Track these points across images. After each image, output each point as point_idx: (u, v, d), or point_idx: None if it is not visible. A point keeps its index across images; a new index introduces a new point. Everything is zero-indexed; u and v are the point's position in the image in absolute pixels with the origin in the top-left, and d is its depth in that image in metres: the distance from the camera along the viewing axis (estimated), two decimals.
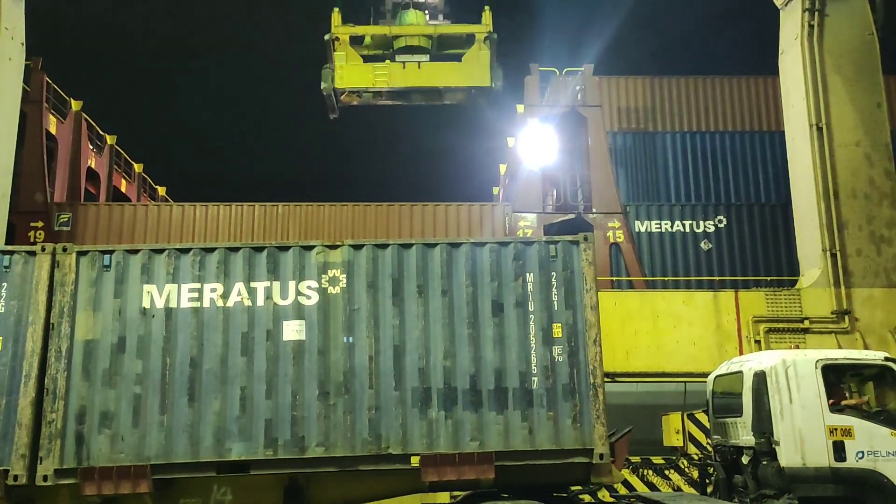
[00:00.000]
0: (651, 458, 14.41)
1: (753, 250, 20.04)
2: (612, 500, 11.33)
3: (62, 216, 19.99)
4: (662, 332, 16.06)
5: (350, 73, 19.61)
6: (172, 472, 8.46)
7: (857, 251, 16.00)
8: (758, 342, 15.82)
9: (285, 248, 9.09)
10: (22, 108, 17.79)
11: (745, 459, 10.14)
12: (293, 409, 8.61)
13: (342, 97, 20.17)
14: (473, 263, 9.10)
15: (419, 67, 19.55)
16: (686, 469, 14.19)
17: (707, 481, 12.37)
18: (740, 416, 10.23)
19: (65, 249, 8.92)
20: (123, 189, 25.65)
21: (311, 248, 9.11)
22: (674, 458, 14.41)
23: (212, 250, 9.04)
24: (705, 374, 11.80)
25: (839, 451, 9.30)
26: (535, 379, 8.79)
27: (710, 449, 12.10)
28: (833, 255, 15.92)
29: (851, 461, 9.28)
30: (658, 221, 20.18)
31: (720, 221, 20.17)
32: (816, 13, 16.73)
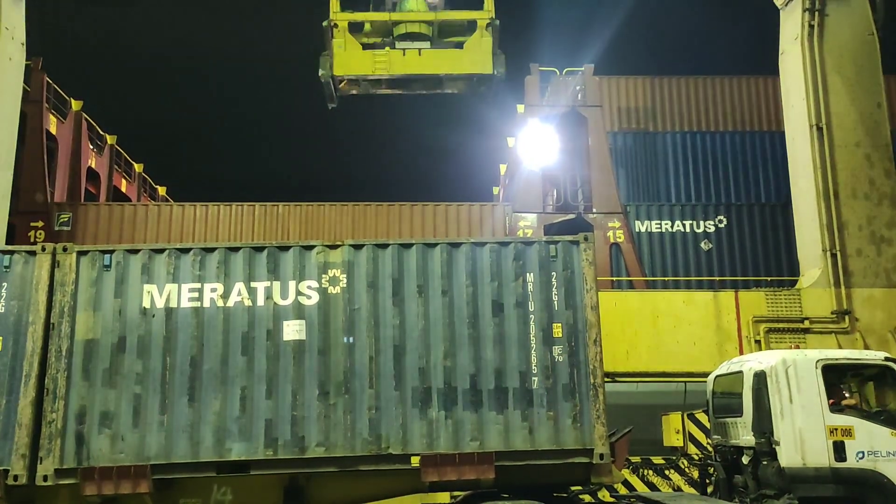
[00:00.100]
0: (651, 458, 14.40)
1: (753, 250, 20.05)
2: (612, 500, 11.34)
3: (62, 216, 19.98)
4: (662, 332, 16.06)
5: (348, 60, 19.10)
6: (172, 472, 8.46)
7: (857, 251, 16.00)
8: (758, 342, 15.83)
9: (285, 248, 9.09)
10: (22, 108, 17.77)
11: (745, 459, 10.14)
12: (293, 409, 8.61)
13: (341, 85, 19.68)
14: (474, 263, 9.11)
15: (419, 55, 19.22)
16: (686, 469, 14.19)
17: (707, 481, 12.36)
18: (740, 416, 10.22)
19: (65, 249, 8.92)
20: (123, 189, 25.66)
21: (311, 248, 9.11)
22: (674, 458, 14.41)
23: (212, 250, 9.04)
24: (705, 374, 11.80)
25: (839, 451, 9.30)
26: (536, 379, 8.79)
27: (710, 449, 12.10)
28: (833, 256, 15.93)
29: (852, 461, 9.28)
30: (658, 221, 20.19)
31: (720, 221, 20.18)
32: (816, 13, 16.72)
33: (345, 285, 8.98)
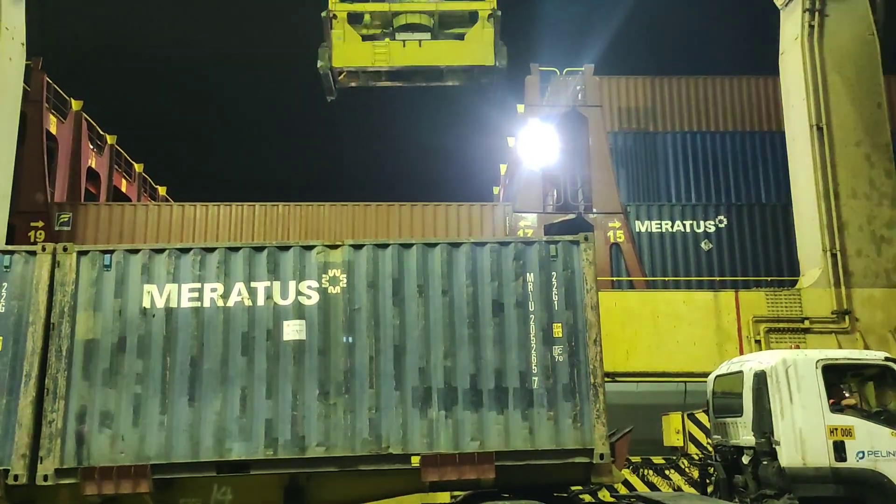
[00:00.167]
0: (651, 457, 14.39)
1: (754, 250, 20.05)
2: (612, 500, 11.33)
3: (62, 216, 19.98)
4: (663, 332, 16.07)
5: (348, 52, 18.77)
6: (173, 472, 8.46)
7: (857, 251, 16.01)
8: (758, 342, 15.84)
9: (285, 248, 9.09)
10: (22, 108, 17.81)
11: (745, 459, 10.14)
12: (293, 408, 8.61)
13: (340, 78, 19.34)
14: (474, 263, 9.10)
15: (420, 46, 18.91)
16: (686, 469, 14.18)
17: (707, 481, 12.37)
18: (741, 416, 10.23)
19: (65, 249, 8.91)
20: (124, 189, 25.67)
21: (311, 247, 9.10)
22: (674, 458, 14.40)
23: (212, 250, 9.04)
24: (705, 374, 11.80)
25: (840, 451, 9.30)
26: (536, 379, 8.79)
27: (710, 449, 12.10)
28: (833, 256, 15.94)
29: (852, 461, 9.28)
30: (658, 221, 20.19)
31: (720, 221, 20.18)
32: (816, 13, 16.74)
33: (345, 285, 8.98)
